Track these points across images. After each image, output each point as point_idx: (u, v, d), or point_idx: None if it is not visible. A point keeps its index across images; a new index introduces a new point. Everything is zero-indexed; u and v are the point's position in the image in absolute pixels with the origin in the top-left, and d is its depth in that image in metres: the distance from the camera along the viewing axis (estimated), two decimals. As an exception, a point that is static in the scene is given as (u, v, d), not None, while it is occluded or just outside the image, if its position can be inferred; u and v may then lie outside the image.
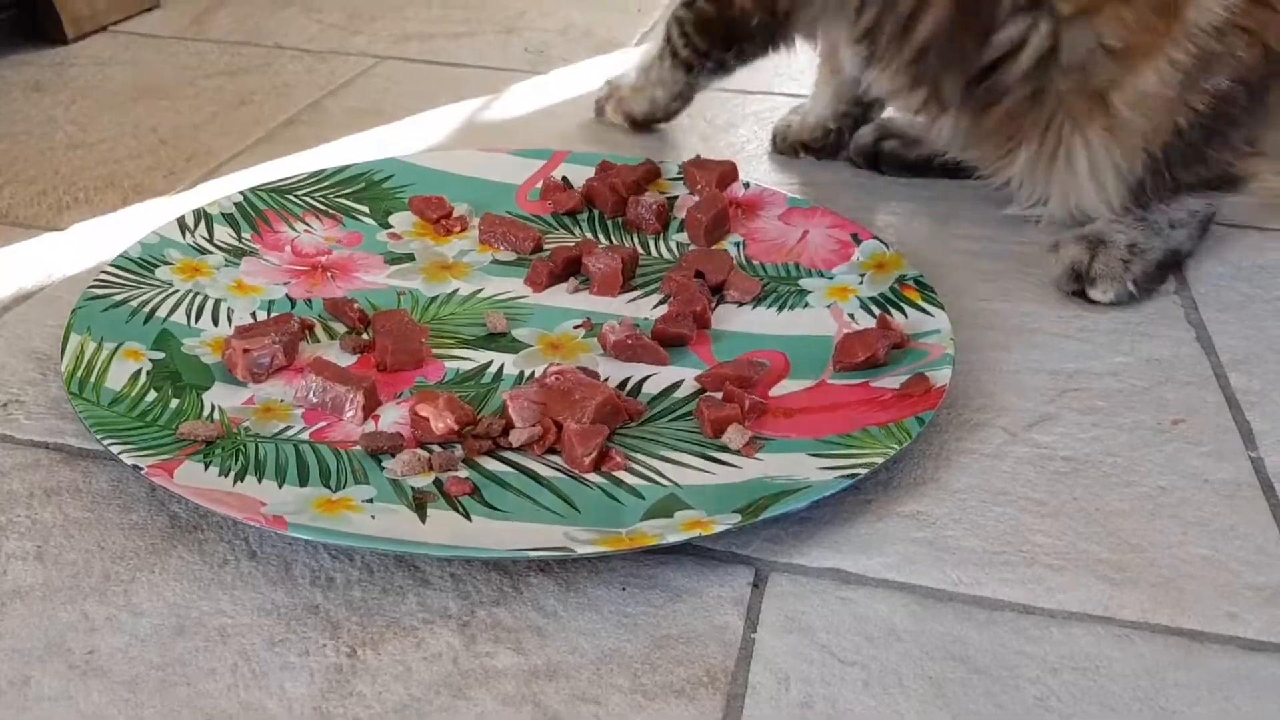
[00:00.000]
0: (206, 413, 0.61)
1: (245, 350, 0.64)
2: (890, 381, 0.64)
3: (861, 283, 0.75)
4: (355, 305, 0.71)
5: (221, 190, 0.89)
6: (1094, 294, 0.77)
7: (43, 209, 0.86)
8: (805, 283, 0.76)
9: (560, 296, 0.75)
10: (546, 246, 0.80)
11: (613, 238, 0.83)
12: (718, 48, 0.93)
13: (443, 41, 1.26)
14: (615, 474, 0.58)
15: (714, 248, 0.80)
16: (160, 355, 0.65)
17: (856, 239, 0.79)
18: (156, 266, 0.73)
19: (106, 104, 1.05)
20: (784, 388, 0.65)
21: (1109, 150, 0.75)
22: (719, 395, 0.63)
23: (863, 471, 0.56)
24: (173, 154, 0.95)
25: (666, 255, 0.81)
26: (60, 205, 0.86)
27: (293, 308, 0.72)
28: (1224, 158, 0.75)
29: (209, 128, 1.01)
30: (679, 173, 0.89)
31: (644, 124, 1.02)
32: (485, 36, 1.28)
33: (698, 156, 0.90)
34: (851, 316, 0.72)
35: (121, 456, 0.55)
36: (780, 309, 0.74)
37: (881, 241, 0.79)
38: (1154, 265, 0.78)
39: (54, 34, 1.19)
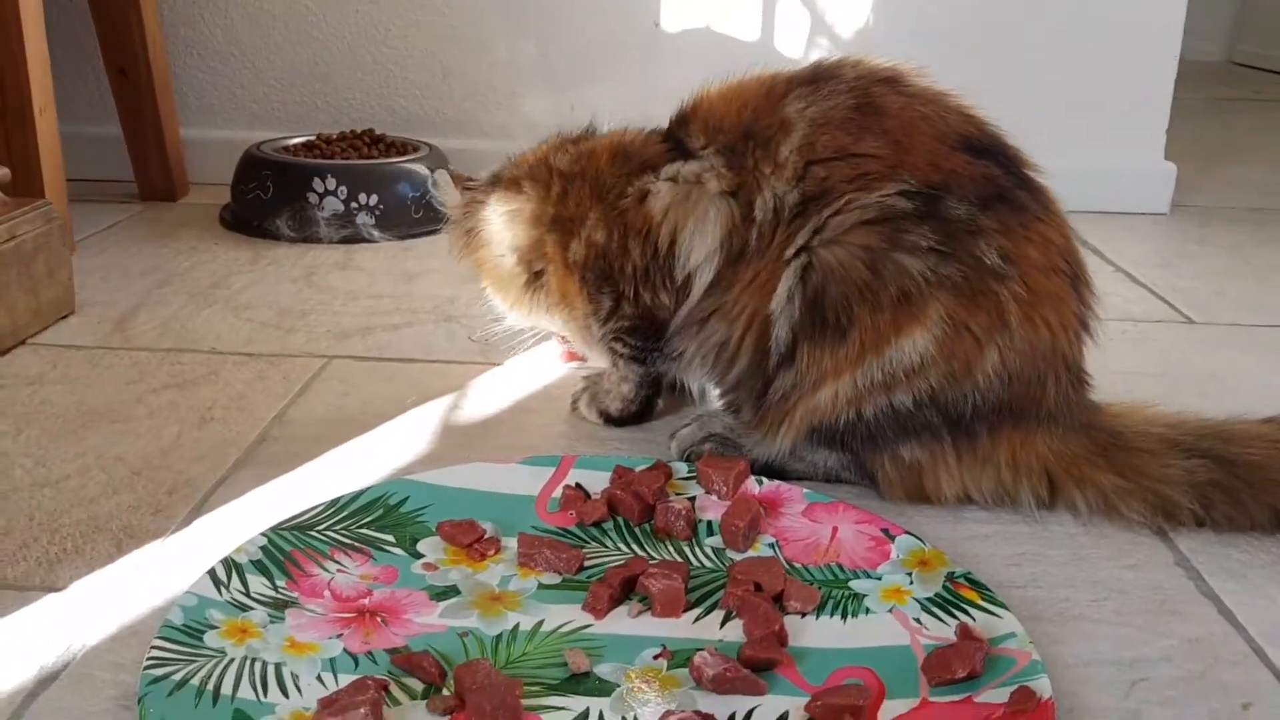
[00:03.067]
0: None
1: (345, 729, 0.60)
2: (994, 696, 0.65)
3: (912, 583, 0.77)
4: (431, 658, 0.68)
5: (217, 527, 0.85)
6: None
7: (31, 564, 0.79)
8: (855, 585, 0.78)
9: (624, 622, 0.74)
10: (587, 564, 0.80)
11: (645, 546, 0.83)
12: (652, 340, 1.00)
13: (384, 334, 1.26)
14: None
15: (756, 553, 0.82)
16: (244, 743, 0.60)
17: (888, 534, 0.82)
18: (203, 632, 0.68)
19: (57, 431, 0.99)
20: (890, 710, 0.66)
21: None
22: (835, 726, 0.63)
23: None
24: (151, 487, 0.90)
25: (707, 563, 0.81)
26: (50, 559, 0.80)
27: (356, 665, 0.68)
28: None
29: (178, 453, 0.96)
30: (690, 472, 0.91)
31: (618, 420, 1.04)
32: (424, 326, 1.29)
33: (708, 455, 0.92)
34: (918, 621, 0.73)
35: None
36: (844, 617, 0.75)
37: (915, 536, 0.82)
38: None
39: (-26, 352, 1.13)
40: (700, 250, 0.92)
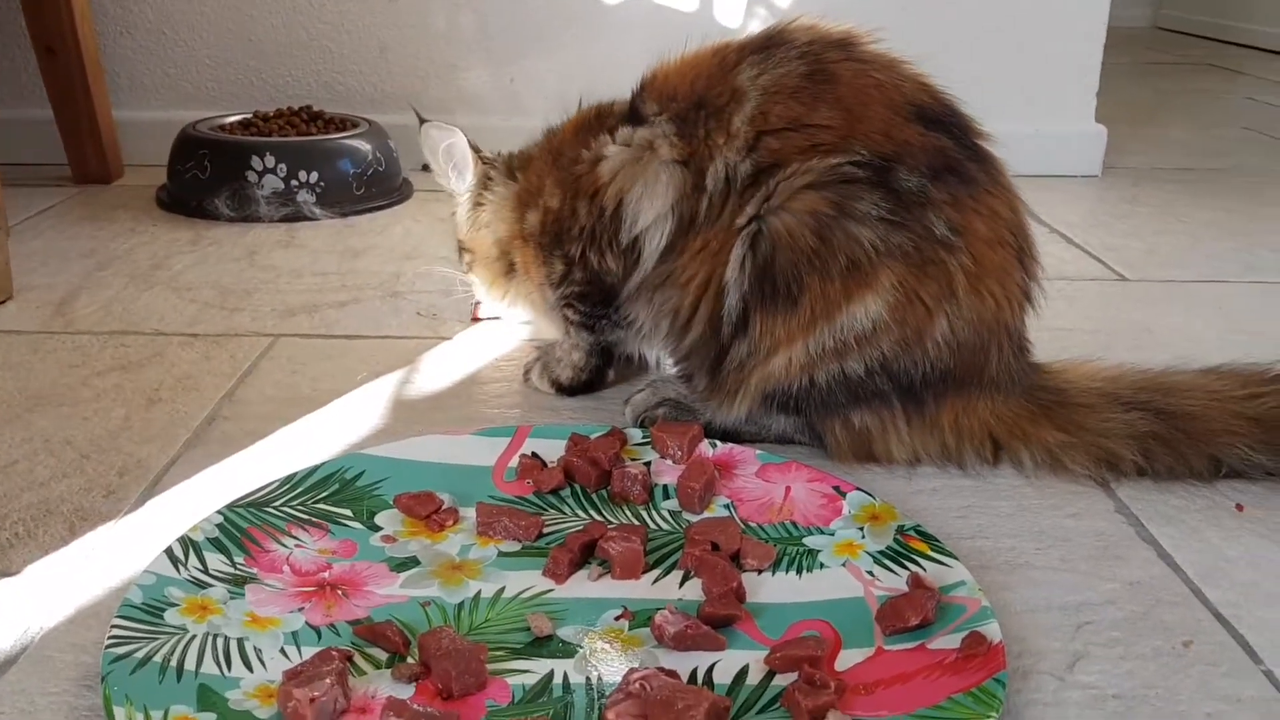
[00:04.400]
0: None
1: (313, 699, 0.60)
2: (946, 642, 0.67)
3: (864, 537, 0.79)
4: (395, 627, 0.68)
5: (171, 507, 0.84)
6: None
7: (-19, 550, 0.78)
8: (809, 541, 0.80)
9: (585, 585, 0.75)
10: (546, 530, 0.81)
11: (603, 511, 0.84)
12: (601, 306, 1.01)
13: (331, 312, 1.25)
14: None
15: (712, 514, 0.83)
16: (211, 717, 0.61)
17: (840, 491, 0.84)
18: (163, 610, 0.68)
19: (2, 417, 0.97)
20: (846, 660, 0.67)
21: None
22: (794, 677, 0.65)
23: (971, 742, 0.59)
24: (101, 469, 0.89)
25: (664, 526, 0.82)
26: (1, 544, 0.79)
27: (319, 637, 0.69)
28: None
29: (127, 435, 0.95)
30: (644, 438, 0.92)
31: (570, 389, 1.05)
32: (371, 303, 1.28)
33: (662, 420, 0.93)
34: (871, 574, 0.75)
35: None
36: (800, 572, 0.76)
37: (865, 492, 0.84)
38: None
39: (-91, 340, 1.10)
40: (649, 212, 0.93)
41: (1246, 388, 0.91)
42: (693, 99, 0.92)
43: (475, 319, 1.22)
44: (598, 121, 0.99)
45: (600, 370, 1.06)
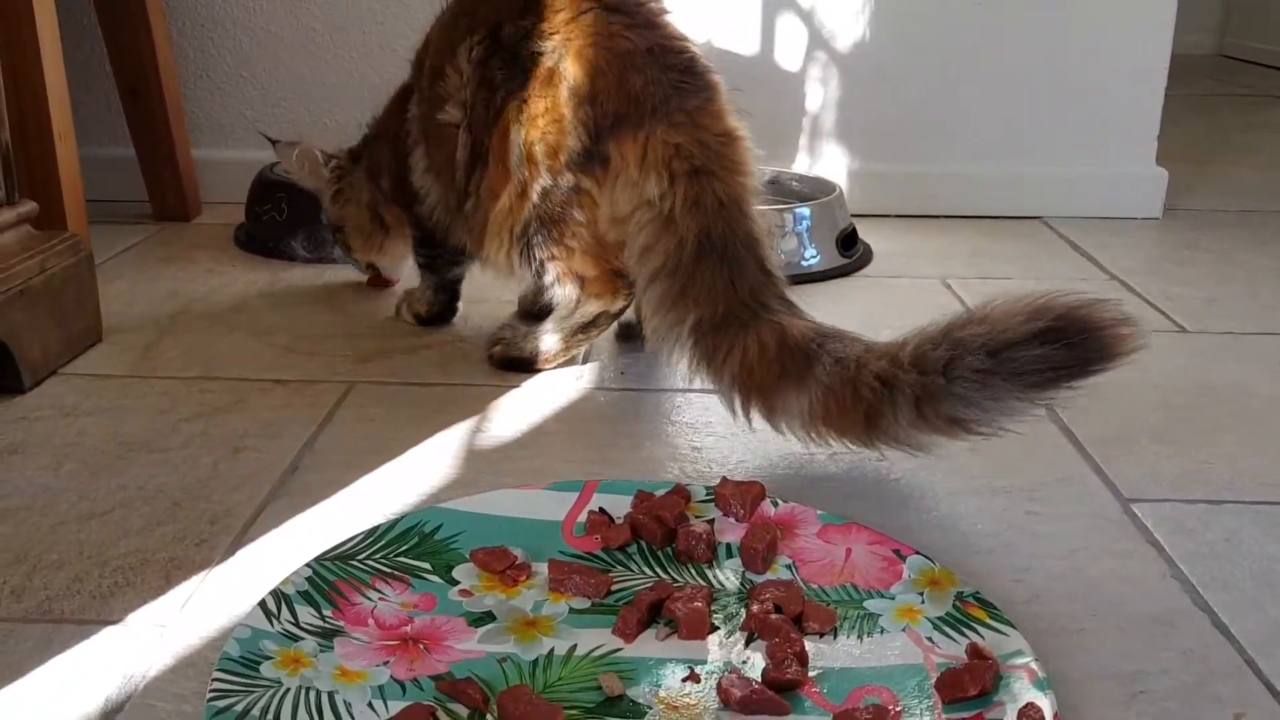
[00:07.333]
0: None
1: (403, 758, 0.64)
2: (1003, 713, 0.70)
3: (924, 602, 0.82)
4: (475, 684, 0.72)
5: (261, 558, 0.89)
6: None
7: (85, 597, 0.83)
8: (870, 605, 0.82)
9: (652, 645, 0.78)
10: (614, 588, 0.84)
11: (669, 569, 0.87)
12: (429, 249, 1.35)
13: (403, 358, 1.30)
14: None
15: (774, 575, 0.86)
16: (307, 770, 0.65)
17: (900, 554, 0.87)
18: (259, 663, 0.73)
19: (97, 465, 1.03)
20: (908, 728, 0.70)
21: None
22: (857, 744, 0.68)
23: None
24: (193, 517, 0.94)
25: (729, 585, 0.85)
26: (103, 592, 0.84)
27: (404, 692, 0.73)
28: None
29: (216, 483, 1.00)
30: (708, 494, 0.95)
31: (427, 320, 1.38)
32: (441, 348, 1.33)
33: (724, 479, 0.97)
34: (931, 640, 0.78)
35: None
36: (860, 637, 0.79)
37: (925, 556, 0.86)
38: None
39: (9, 384, 1.16)
40: (418, 165, 1.30)
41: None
42: (424, 67, 1.29)
43: (376, 284, 1.53)
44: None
45: (449, 305, 1.37)
